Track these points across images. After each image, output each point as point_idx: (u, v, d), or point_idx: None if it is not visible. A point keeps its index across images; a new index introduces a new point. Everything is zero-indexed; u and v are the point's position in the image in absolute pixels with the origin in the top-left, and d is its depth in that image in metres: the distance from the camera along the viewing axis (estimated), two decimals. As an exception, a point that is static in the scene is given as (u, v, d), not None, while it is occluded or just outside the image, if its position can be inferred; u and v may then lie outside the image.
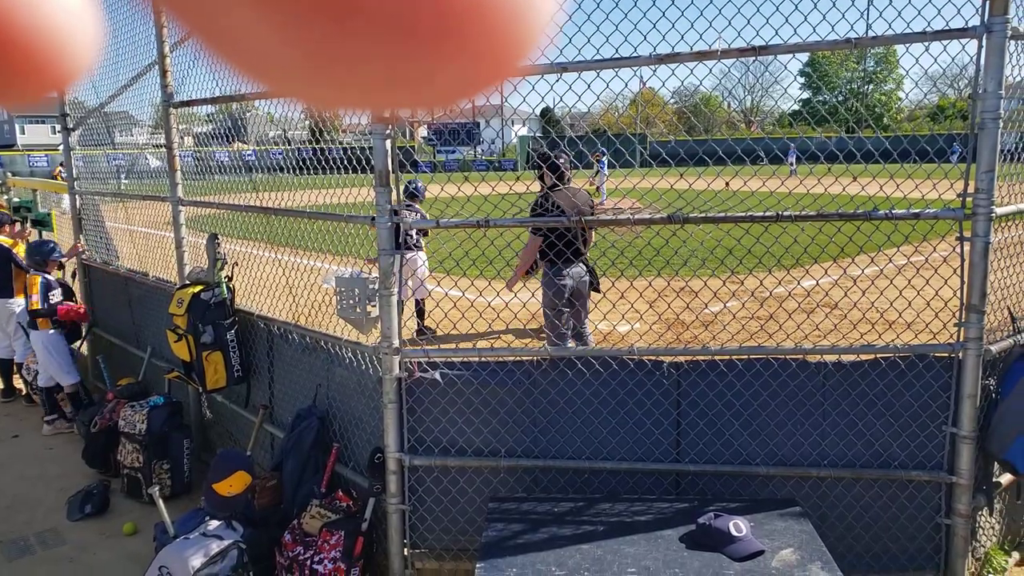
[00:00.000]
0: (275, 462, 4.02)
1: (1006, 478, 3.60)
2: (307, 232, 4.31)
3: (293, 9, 0.23)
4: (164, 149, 5.21)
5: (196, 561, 2.98)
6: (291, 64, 0.24)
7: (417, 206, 7.78)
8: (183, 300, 4.43)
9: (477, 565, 2.68)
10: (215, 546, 3.08)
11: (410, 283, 7.21)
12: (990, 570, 3.61)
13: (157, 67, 5.07)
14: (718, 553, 2.69)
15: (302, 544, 3.44)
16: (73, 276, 7.10)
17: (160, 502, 3.27)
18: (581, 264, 5.21)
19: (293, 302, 4.26)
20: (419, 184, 8.05)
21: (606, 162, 15.53)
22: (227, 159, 5.94)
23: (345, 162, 3.94)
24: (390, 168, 3.39)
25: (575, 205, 4.53)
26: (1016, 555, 3.81)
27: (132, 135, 7.19)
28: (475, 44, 0.25)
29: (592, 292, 5.38)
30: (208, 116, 6.06)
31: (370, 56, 0.24)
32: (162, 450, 4.81)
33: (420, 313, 7.87)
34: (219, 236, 4.62)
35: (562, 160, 5.04)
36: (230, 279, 4.57)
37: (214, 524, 3.23)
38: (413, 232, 7.12)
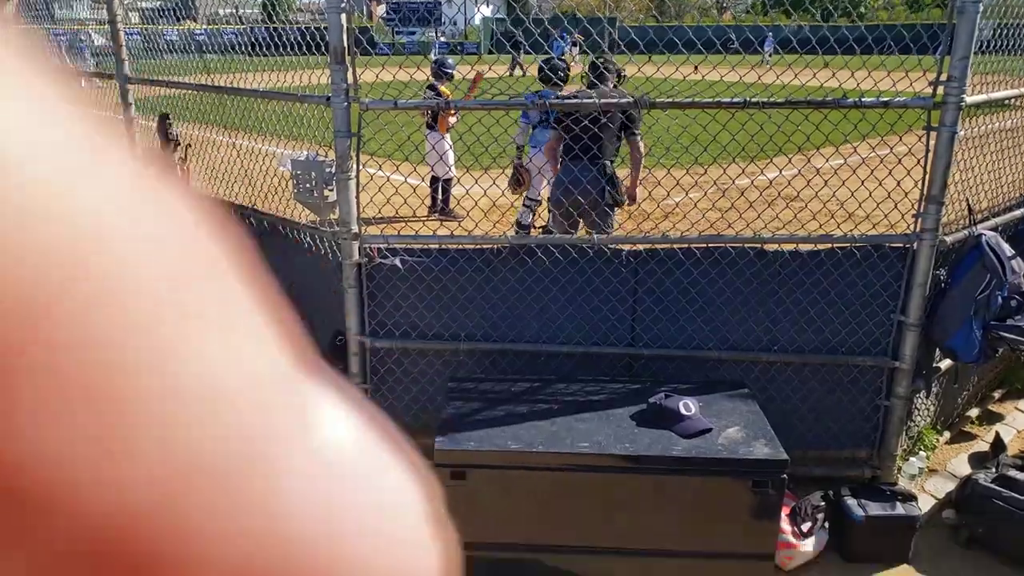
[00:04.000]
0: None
1: (945, 363, 3.76)
2: (262, 115, 4.14)
3: None
4: (107, 25, 4.89)
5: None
6: None
7: (441, 87, 7.58)
8: (136, 183, 4.29)
9: (436, 439, 2.76)
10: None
11: (427, 159, 7.34)
12: (921, 447, 3.82)
13: (96, -69, 4.69)
14: (668, 430, 2.80)
15: (264, 423, 3.50)
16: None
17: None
18: (593, 169, 4.48)
19: (249, 186, 4.15)
20: (448, 60, 7.76)
21: (568, 44, 14.74)
22: (176, 38, 5.62)
23: (301, 43, 3.74)
24: (346, 45, 3.22)
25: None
26: (947, 434, 4.04)
27: (73, 10, 6.74)
28: None
29: (607, 207, 4.55)
30: (155, -10, 5.69)
31: None
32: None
33: (443, 193, 7.94)
34: (171, 117, 4.43)
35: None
36: (184, 160, 4.42)
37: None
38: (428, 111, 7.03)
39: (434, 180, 8.07)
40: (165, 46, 5.36)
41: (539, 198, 6.05)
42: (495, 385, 3.21)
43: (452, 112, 6.78)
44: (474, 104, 3.33)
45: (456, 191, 8.06)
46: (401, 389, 3.62)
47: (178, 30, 5.56)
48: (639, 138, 4.65)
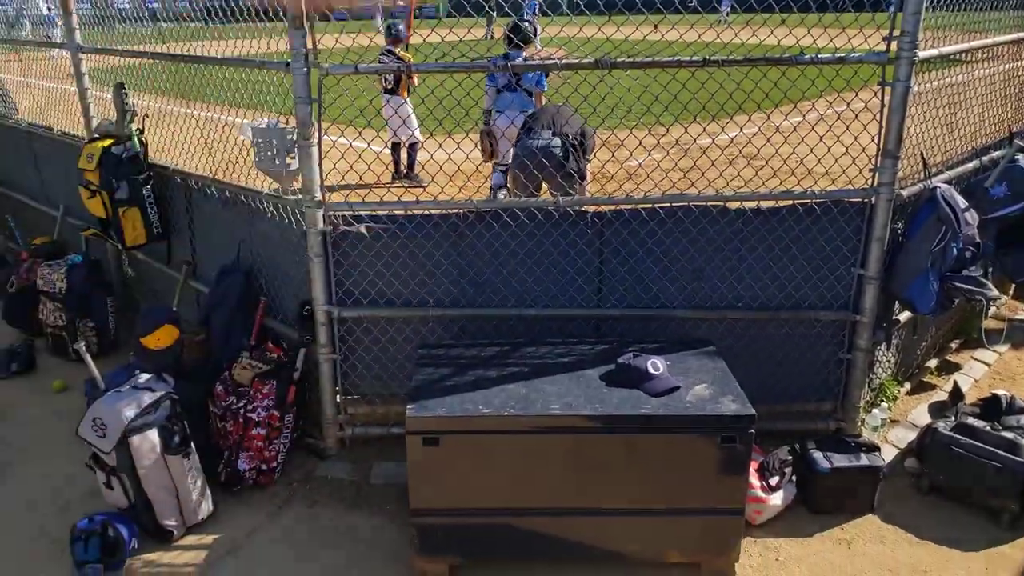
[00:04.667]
0: (202, 317, 4.00)
1: (905, 315, 3.86)
2: (220, 83, 4.05)
3: None
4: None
5: (129, 412, 3.00)
6: None
7: (397, 51, 7.55)
8: (93, 155, 4.19)
9: (408, 407, 2.77)
10: (147, 397, 3.09)
11: (389, 124, 7.44)
12: (883, 398, 3.94)
13: None
14: (636, 389, 2.84)
15: (235, 394, 3.49)
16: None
17: (88, 357, 3.22)
18: (547, 139, 4.70)
19: (209, 156, 4.07)
20: (400, 26, 7.70)
21: (536, 5, 14.64)
22: (128, 5, 5.43)
23: (258, 9, 3.64)
24: (303, 9, 3.15)
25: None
26: (908, 385, 4.16)
27: (18, -25, 6.49)
28: None
29: (565, 176, 4.58)
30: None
31: None
32: (84, 308, 4.72)
33: (409, 157, 7.97)
34: (125, 87, 4.30)
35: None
36: (141, 132, 4.31)
37: (144, 377, 3.23)
38: (390, 76, 7.04)
39: (395, 146, 8.05)
40: (117, 15, 5.19)
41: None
42: (465, 351, 3.23)
43: (412, 75, 6.73)
44: (435, 67, 3.29)
45: (420, 155, 8.05)
46: (371, 358, 3.62)
47: (129, -2, 5.38)
48: (587, 166, 4.94)
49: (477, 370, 3.03)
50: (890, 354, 3.98)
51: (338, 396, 3.67)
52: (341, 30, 3.32)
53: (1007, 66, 4.53)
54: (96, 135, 4.46)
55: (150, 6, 5.65)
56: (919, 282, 3.47)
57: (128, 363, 3.67)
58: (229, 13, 3.91)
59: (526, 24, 6.23)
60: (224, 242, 4.09)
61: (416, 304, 3.55)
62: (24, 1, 6.22)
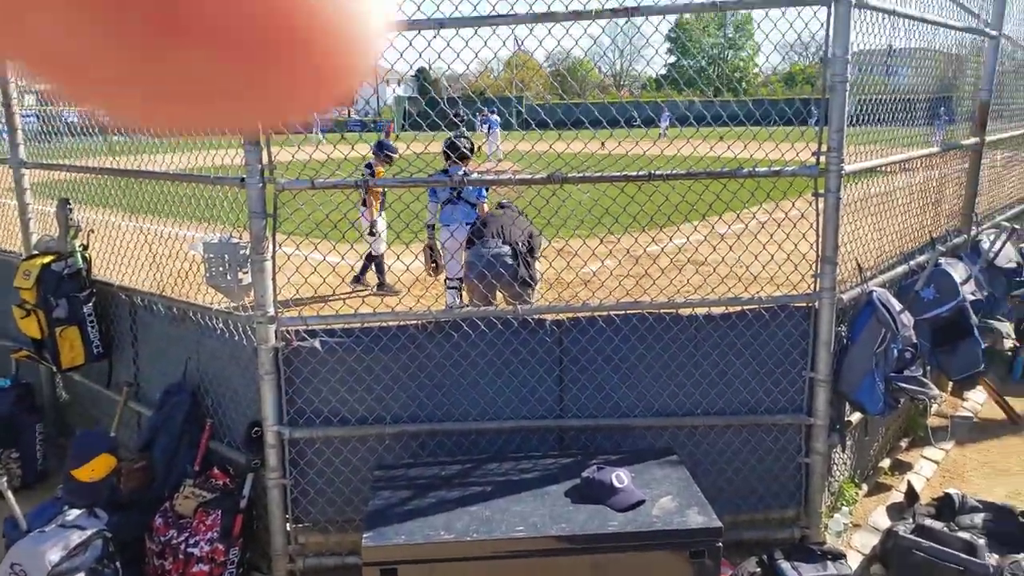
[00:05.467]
0: (143, 442, 3.78)
1: (856, 416, 3.94)
2: (171, 198, 4.02)
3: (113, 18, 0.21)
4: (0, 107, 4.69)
5: (54, 555, 2.75)
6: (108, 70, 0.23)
7: (377, 168, 7.66)
8: (30, 272, 4.04)
9: (364, 535, 2.64)
10: (76, 537, 2.85)
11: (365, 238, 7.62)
12: (843, 502, 3.95)
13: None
14: (602, 505, 2.78)
15: (176, 527, 3.26)
16: None
17: (9, 494, 2.98)
18: (498, 247, 4.81)
19: (157, 271, 3.98)
20: (389, 142, 7.86)
21: (497, 120, 15.28)
22: (77, 119, 5.43)
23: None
24: (259, 125, 3.19)
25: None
26: (865, 487, 4.19)
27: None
28: (300, 66, 0.24)
29: (521, 283, 4.77)
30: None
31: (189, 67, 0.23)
32: (10, 437, 4.40)
33: (377, 268, 7.99)
34: (71, 202, 4.23)
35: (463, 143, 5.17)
36: (85, 248, 4.20)
37: (74, 514, 3.00)
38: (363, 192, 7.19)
39: (369, 256, 8.11)
40: (65, 128, 5.17)
41: (459, 275, 6.08)
42: (424, 470, 3.12)
43: (375, 190, 6.85)
44: (392, 182, 3.35)
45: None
46: (324, 481, 3.46)
47: (78, 111, 5.37)
48: (537, 264, 5.08)
49: (438, 491, 2.92)
50: (846, 456, 4.02)
51: (288, 524, 3.46)
52: (298, 145, 3.37)
53: (921, 176, 4.88)
54: (35, 251, 4.33)
55: (100, 119, 5.64)
56: (866, 384, 3.57)
57: (57, 496, 3.41)
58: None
59: (463, 140, 6.44)
60: (170, 361, 3.93)
61: (372, 421, 3.44)
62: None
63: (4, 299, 4.53)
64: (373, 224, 7.59)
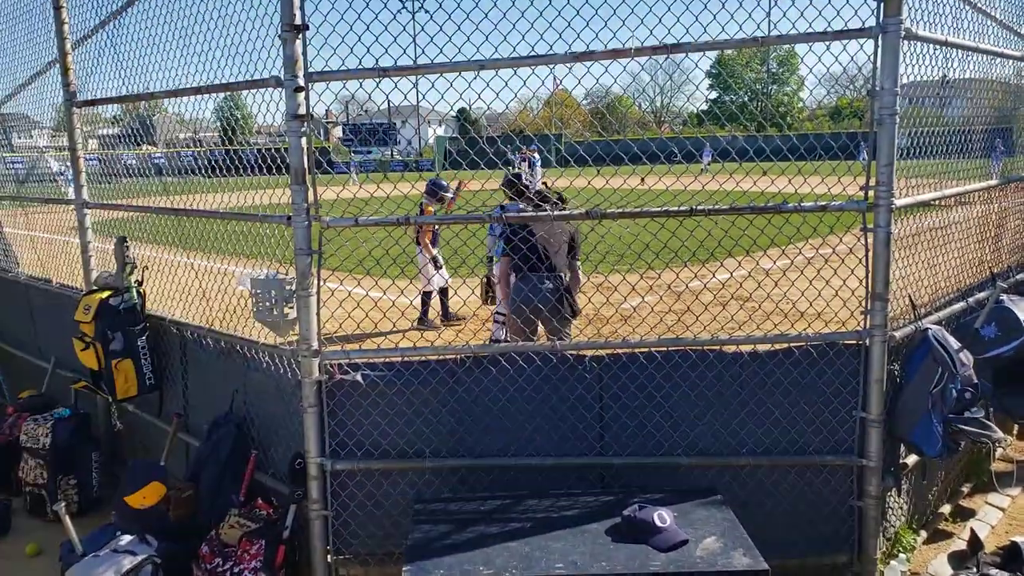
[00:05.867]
0: (191, 472, 3.86)
1: (912, 459, 3.77)
2: (220, 235, 4.17)
3: None
4: (67, 152, 4.95)
5: (105, 579, 2.82)
6: None
7: (427, 207, 7.82)
8: (90, 306, 4.21)
9: (404, 568, 2.63)
10: (127, 562, 2.92)
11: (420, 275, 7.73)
12: (900, 549, 3.77)
13: (59, 64, 4.82)
14: (644, 544, 2.72)
15: (221, 555, 3.30)
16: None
17: (66, 519, 3.08)
18: (548, 280, 4.74)
19: (207, 306, 4.10)
20: (442, 181, 8.05)
21: (539, 159, 15.51)
22: (135, 162, 5.70)
23: (259, 163, 3.82)
24: (306, 166, 3.30)
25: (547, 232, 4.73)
26: (924, 533, 4.00)
27: (32, 137, 6.82)
28: None
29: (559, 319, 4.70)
30: (114, 117, 5.79)
31: None
32: (68, 464, 4.55)
33: (430, 304, 8.20)
34: (128, 240, 4.41)
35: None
36: (140, 283, 4.37)
37: (126, 539, 3.07)
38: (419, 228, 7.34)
39: (426, 294, 8.20)
40: (123, 170, 5.42)
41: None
42: (463, 505, 3.10)
43: (426, 227, 6.97)
44: (432, 219, 3.41)
45: (417, 302, 8.22)
46: (364, 514, 3.46)
47: (137, 154, 5.64)
48: (579, 264, 5.03)
49: (477, 526, 2.90)
50: (902, 500, 3.85)
51: (329, 556, 3.47)
52: (343, 184, 3.46)
53: (979, 209, 4.73)
54: (95, 287, 4.51)
55: (156, 161, 5.91)
56: (923, 424, 3.43)
57: (110, 523, 3.49)
58: (233, 169, 4.09)
59: (520, 177, 6.56)
60: (217, 393, 4.03)
61: (412, 455, 3.45)
62: (36, 160, 6.50)
63: (66, 332, 4.72)
64: (435, 260, 7.74)
